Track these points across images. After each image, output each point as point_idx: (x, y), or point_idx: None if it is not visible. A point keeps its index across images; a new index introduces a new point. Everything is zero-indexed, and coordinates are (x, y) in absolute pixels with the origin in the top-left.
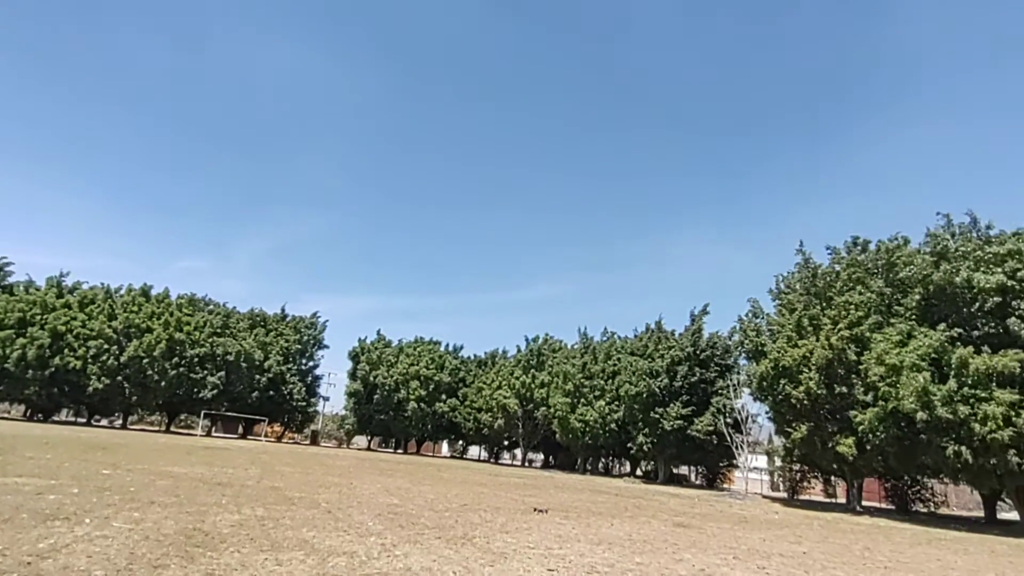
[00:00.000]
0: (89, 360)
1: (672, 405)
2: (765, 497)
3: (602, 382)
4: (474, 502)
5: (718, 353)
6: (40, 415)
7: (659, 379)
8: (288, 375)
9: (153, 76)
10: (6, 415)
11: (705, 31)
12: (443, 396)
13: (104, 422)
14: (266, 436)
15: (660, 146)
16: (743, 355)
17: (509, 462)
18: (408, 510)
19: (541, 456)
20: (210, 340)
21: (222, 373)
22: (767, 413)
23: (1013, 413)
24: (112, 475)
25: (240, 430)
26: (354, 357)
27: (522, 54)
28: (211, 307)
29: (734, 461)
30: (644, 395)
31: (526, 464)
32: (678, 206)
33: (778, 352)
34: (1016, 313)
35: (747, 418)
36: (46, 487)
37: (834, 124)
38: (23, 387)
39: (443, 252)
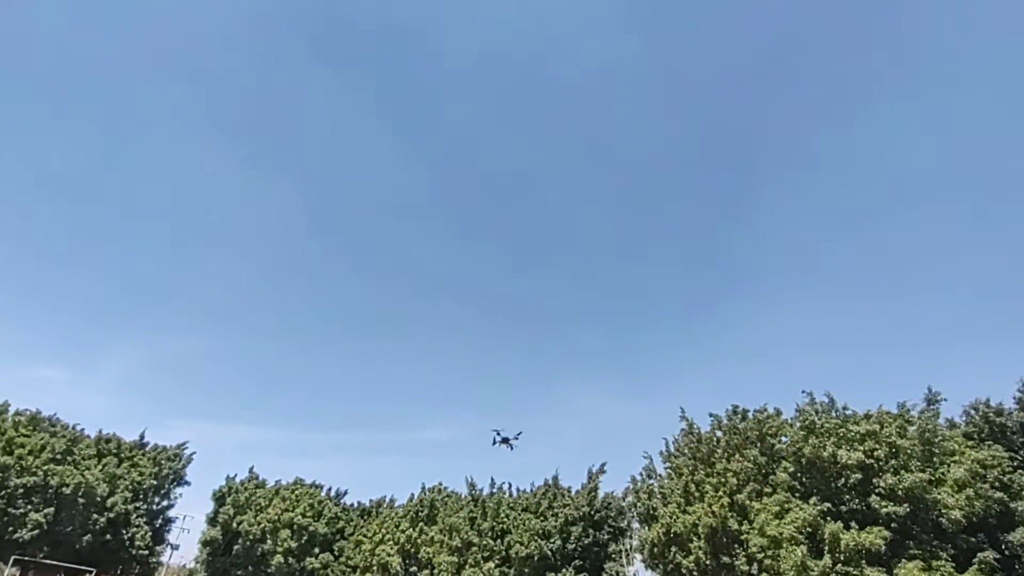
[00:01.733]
0: None
1: (564, 570)
2: None
3: (491, 540)
4: None
5: (612, 515)
6: None
7: (552, 540)
8: (134, 516)
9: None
10: None
11: (605, 183)
12: (316, 550)
13: None
14: None
15: (558, 293)
16: (636, 517)
17: None
18: None
19: None
20: (45, 468)
21: (50, 509)
22: None
23: None
24: None
25: None
26: (219, 498)
27: (429, 185)
28: (56, 428)
29: None
30: (536, 557)
31: None
32: (574, 355)
33: (670, 517)
34: (875, 491)
35: None
36: None
37: (717, 293)
38: None
39: (333, 384)
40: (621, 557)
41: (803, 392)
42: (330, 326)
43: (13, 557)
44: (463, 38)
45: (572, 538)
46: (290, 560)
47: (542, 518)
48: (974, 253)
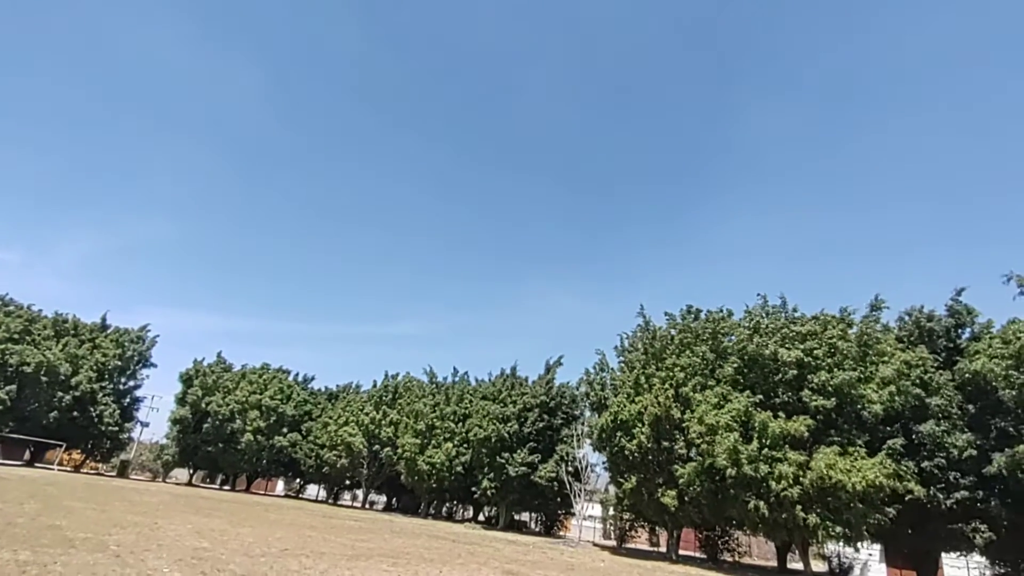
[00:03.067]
0: None
1: (519, 451)
2: (596, 545)
3: (453, 424)
4: (297, 546)
5: (566, 402)
6: None
7: (509, 424)
8: (100, 395)
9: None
10: None
11: (588, 91)
12: (284, 430)
13: None
14: (60, 464)
15: (531, 189)
16: (588, 406)
17: (349, 503)
18: (217, 555)
19: (384, 498)
20: (2, 347)
21: (12, 387)
22: (604, 464)
23: (800, 473)
24: None
25: (27, 456)
26: (186, 380)
27: (400, 69)
28: (9, 308)
29: (571, 509)
30: (493, 439)
31: (367, 506)
32: (543, 255)
33: (618, 406)
34: (808, 386)
35: (587, 467)
36: None
37: (687, 200)
38: None
39: (305, 275)
40: (572, 440)
41: (757, 295)
42: (302, 214)
43: None
44: None
45: (528, 422)
46: (259, 438)
47: (501, 404)
48: (936, 165)
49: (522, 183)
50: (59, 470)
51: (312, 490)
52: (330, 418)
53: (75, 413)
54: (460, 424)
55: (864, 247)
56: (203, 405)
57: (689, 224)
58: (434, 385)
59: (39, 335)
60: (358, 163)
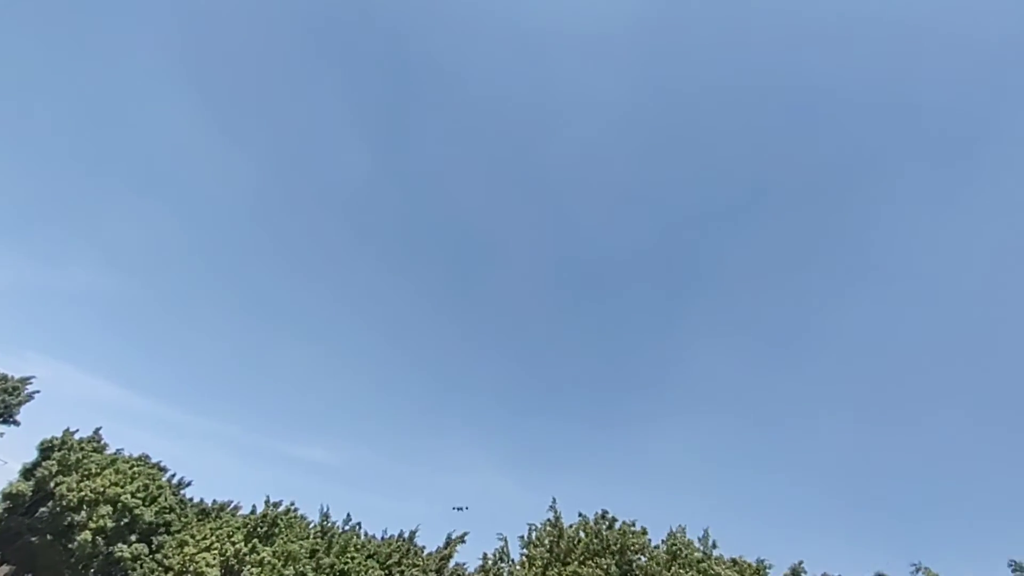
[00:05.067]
0: None
1: None
2: None
3: None
4: None
5: None
6: None
7: None
8: None
9: None
10: None
11: (556, 265)
12: (133, 537)
13: None
14: None
15: (471, 360)
16: None
17: None
18: None
19: None
20: None
21: None
22: None
23: None
24: None
25: None
26: (44, 450)
27: (389, 206)
28: None
29: None
30: None
31: None
32: (470, 417)
33: None
34: None
35: None
36: None
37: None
38: None
39: (222, 365)
40: None
41: (679, 526)
42: (243, 304)
43: None
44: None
45: None
46: (98, 540)
47: (386, 571)
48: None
49: (463, 348)
50: None
51: None
52: (191, 536)
53: None
54: None
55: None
56: (51, 485)
57: (641, 433)
58: (320, 528)
59: None
60: (308, 274)
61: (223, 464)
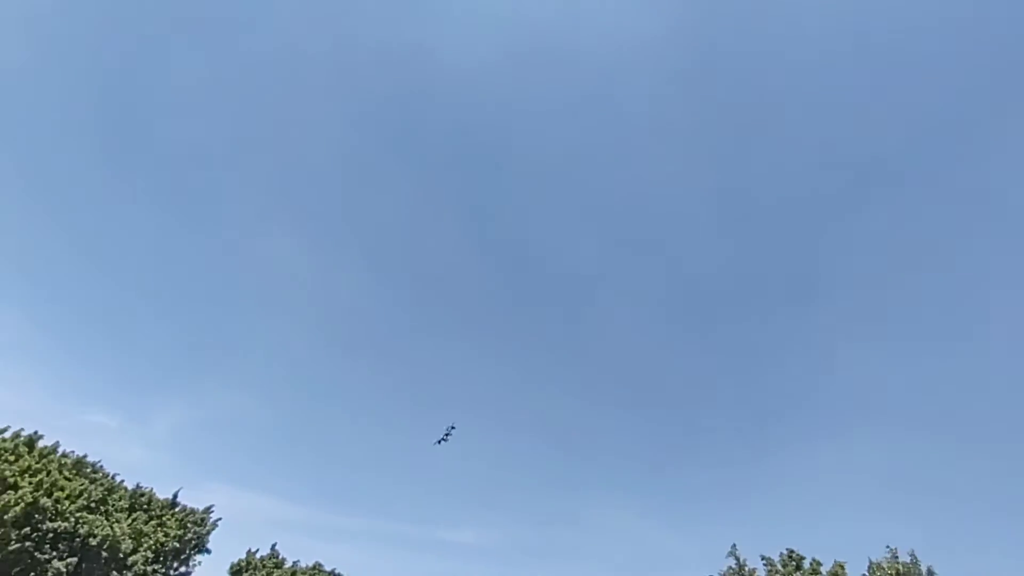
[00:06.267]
0: None
1: None
2: None
3: None
4: None
5: None
6: None
7: None
8: None
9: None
10: None
11: (661, 296)
12: None
13: None
14: None
15: (597, 413)
16: None
17: None
18: None
19: None
20: (78, 515)
21: (74, 559)
22: None
23: None
24: None
25: None
26: (234, 573)
27: (485, 283)
28: (97, 475)
29: None
30: None
31: None
32: (609, 472)
33: None
34: None
35: None
36: None
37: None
38: None
39: (370, 467)
40: None
41: (887, 547)
42: (383, 403)
43: None
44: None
45: None
46: None
47: None
48: None
49: (587, 405)
50: None
51: None
52: None
53: None
54: None
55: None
56: None
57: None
58: None
59: (114, 506)
60: (445, 362)
61: (384, 557)
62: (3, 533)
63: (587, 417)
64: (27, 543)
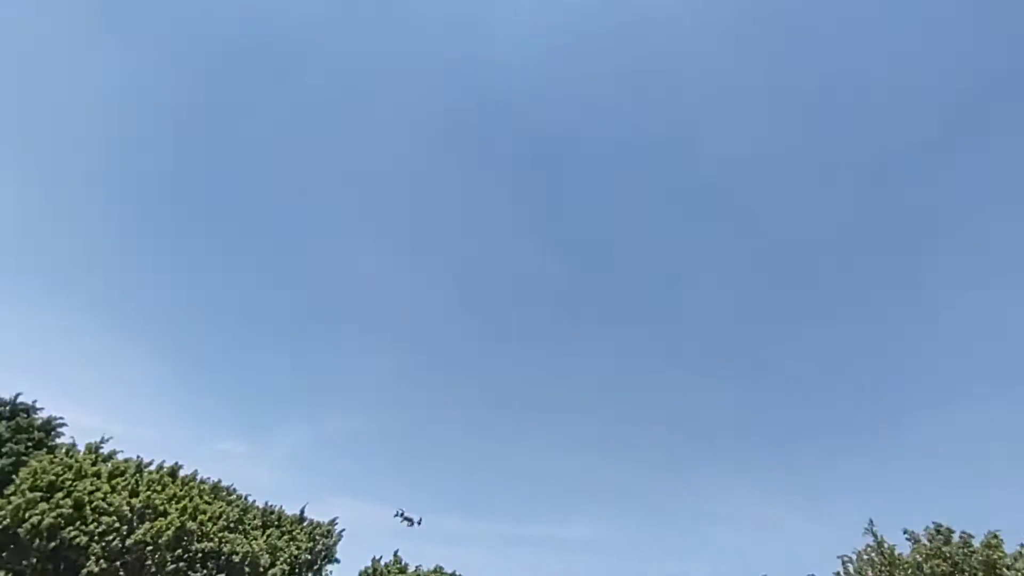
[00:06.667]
0: (96, 538)
1: None
2: None
3: None
4: None
5: None
6: None
7: None
8: None
9: (233, 266)
10: None
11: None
12: None
13: None
14: None
15: (707, 390)
16: None
17: None
18: None
19: None
20: (220, 535)
21: (222, 575)
22: None
23: None
24: None
25: None
26: None
27: (574, 273)
28: (232, 497)
29: None
30: None
31: None
32: (731, 459)
33: None
34: None
35: None
36: None
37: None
38: (23, 557)
39: (479, 469)
40: None
41: None
42: (483, 410)
43: None
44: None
45: None
46: None
47: None
48: None
49: (698, 384)
50: None
51: None
52: None
53: None
54: None
55: None
56: None
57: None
58: None
59: (249, 524)
60: (539, 365)
61: (500, 556)
62: (160, 556)
63: (695, 399)
64: (180, 563)
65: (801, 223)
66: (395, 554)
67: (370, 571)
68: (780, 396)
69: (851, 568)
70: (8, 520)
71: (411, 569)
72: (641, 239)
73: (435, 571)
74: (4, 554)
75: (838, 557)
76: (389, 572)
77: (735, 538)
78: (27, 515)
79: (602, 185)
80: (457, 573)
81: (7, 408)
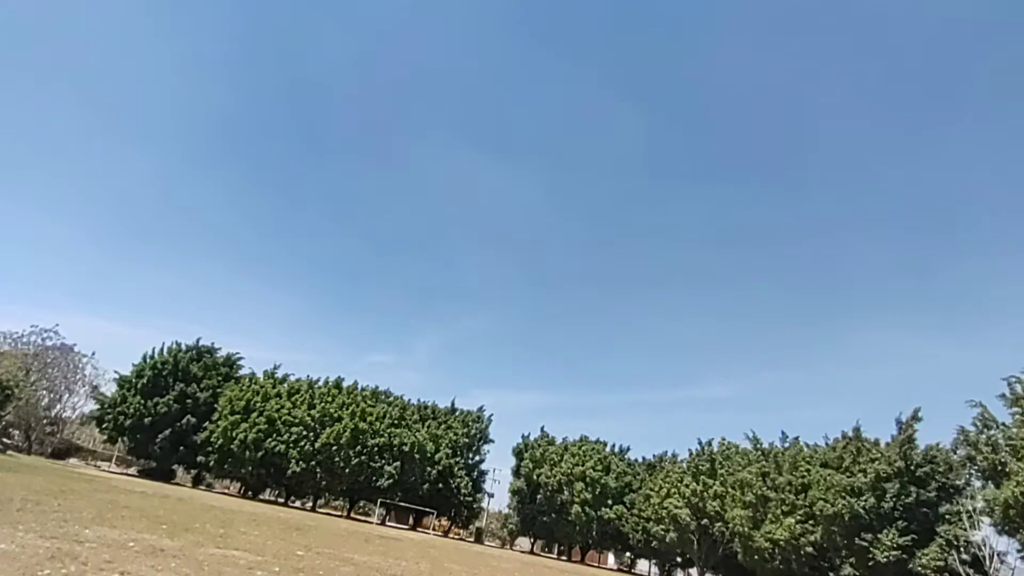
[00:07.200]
0: (291, 444)
1: (886, 531)
2: None
3: (791, 495)
4: None
5: (939, 469)
6: (250, 492)
7: (862, 498)
8: (456, 468)
9: (352, 192)
10: (226, 491)
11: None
12: (609, 501)
13: (298, 503)
14: (433, 529)
15: (860, 244)
16: (974, 474)
17: None
18: None
19: None
20: (388, 431)
21: (397, 463)
22: (1020, 551)
23: None
24: (305, 557)
25: (411, 521)
26: (518, 454)
27: (675, 142)
28: (390, 399)
29: None
30: (845, 516)
31: None
32: (870, 297)
33: None
34: None
35: (991, 556)
36: (255, 563)
37: None
38: (241, 466)
39: (607, 347)
40: (962, 519)
41: None
42: (602, 292)
43: (380, 500)
44: None
45: (888, 496)
46: (586, 509)
47: (847, 473)
48: None
49: (825, 218)
50: (433, 534)
51: (643, 565)
52: (651, 490)
53: (440, 485)
54: (800, 496)
55: None
56: (535, 476)
57: None
58: (759, 452)
59: (410, 419)
60: (637, 234)
61: (641, 424)
62: (344, 453)
63: (830, 243)
64: (362, 457)
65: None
66: (542, 429)
67: (522, 446)
68: (920, 227)
69: (1019, 388)
70: (221, 440)
71: (558, 441)
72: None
73: (580, 440)
74: (226, 465)
75: (1002, 379)
76: (539, 445)
77: (882, 376)
78: (234, 434)
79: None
80: (600, 439)
81: (194, 351)
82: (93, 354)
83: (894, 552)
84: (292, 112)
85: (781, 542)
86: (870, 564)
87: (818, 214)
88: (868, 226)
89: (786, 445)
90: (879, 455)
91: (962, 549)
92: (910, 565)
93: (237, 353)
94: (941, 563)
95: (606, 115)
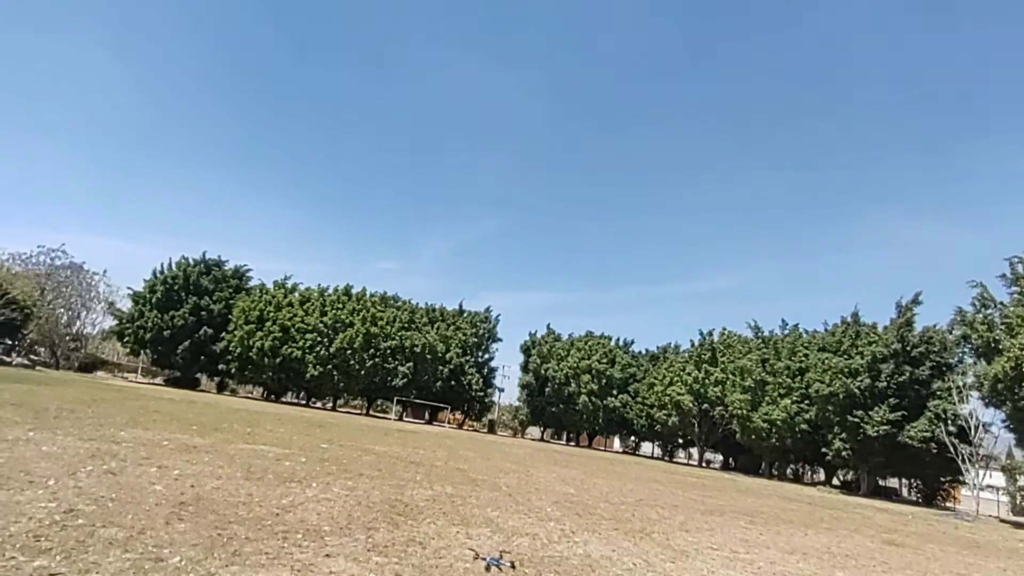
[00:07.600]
0: (307, 350)
1: (877, 408)
2: (1004, 521)
3: (788, 379)
4: (650, 497)
5: (934, 349)
6: (273, 396)
7: (858, 378)
8: (466, 366)
9: (350, 99)
10: (249, 395)
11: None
12: (614, 391)
13: (319, 404)
14: (448, 423)
15: (856, 124)
16: (968, 352)
17: (684, 461)
18: (584, 500)
19: (719, 457)
20: (399, 334)
21: (410, 364)
22: (1004, 422)
23: None
24: (329, 448)
25: (427, 416)
26: (526, 351)
27: (676, 33)
28: (399, 304)
29: (960, 476)
30: (840, 395)
31: (703, 464)
32: (870, 182)
33: (1020, 349)
34: None
35: (976, 427)
36: (283, 455)
37: None
38: (261, 372)
39: (610, 245)
40: (951, 395)
41: None
42: (595, 188)
43: (396, 398)
44: None
45: (883, 375)
46: (593, 399)
47: (845, 356)
48: None
49: (834, 107)
50: (448, 427)
51: (646, 447)
52: (655, 379)
53: (452, 383)
54: (797, 379)
55: None
56: (542, 371)
57: None
58: (759, 340)
59: (419, 322)
60: (633, 136)
61: (646, 317)
62: (358, 356)
63: (828, 122)
64: (376, 359)
65: None
66: (548, 327)
67: (529, 344)
68: (931, 95)
69: (1020, 268)
70: (239, 348)
71: (564, 338)
72: None
73: (586, 336)
74: (246, 372)
75: (1005, 259)
76: (545, 342)
77: (883, 262)
78: (250, 342)
79: None
80: (605, 334)
81: (202, 264)
82: (105, 272)
83: (883, 427)
84: (274, 17)
85: (778, 422)
86: (859, 439)
87: (820, 90)
88: (872, 99)
89: (786, 332)
90: (877, 338)
91: (949, 421)
92: (899, 438)
93: (245, 265)
94: (928, 434)
95: (605, 6)
